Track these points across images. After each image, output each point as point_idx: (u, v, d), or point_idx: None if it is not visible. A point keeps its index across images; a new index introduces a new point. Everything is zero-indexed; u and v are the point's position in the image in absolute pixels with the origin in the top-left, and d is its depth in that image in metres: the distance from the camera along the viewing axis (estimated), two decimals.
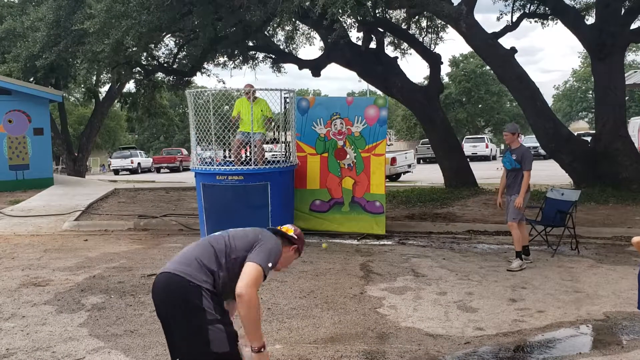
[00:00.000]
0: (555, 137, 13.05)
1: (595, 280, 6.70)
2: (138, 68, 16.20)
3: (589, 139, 14.99)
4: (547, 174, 20.22)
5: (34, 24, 14.25)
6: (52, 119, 20.54)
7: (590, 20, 14.40)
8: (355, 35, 15.29)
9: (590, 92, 56.78)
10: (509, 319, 5.36)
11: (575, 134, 17.84)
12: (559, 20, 14.42)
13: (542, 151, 27.21)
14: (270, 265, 3.00)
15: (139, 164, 39.18)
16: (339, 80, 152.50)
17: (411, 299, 6.05)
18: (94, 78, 24.42)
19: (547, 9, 14.60)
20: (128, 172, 38.11)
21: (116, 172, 38.37)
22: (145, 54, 14.74)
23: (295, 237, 3.32)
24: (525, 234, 7.64)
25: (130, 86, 24.22)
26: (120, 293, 6.31)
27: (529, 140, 37.05)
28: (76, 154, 25.30)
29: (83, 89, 27.56)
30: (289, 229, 3.34)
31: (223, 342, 2.87)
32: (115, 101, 26.71)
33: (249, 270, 2.88)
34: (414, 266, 7.50)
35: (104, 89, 26.58)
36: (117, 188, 15.68)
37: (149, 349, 4.65)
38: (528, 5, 15.00)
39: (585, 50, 17.60)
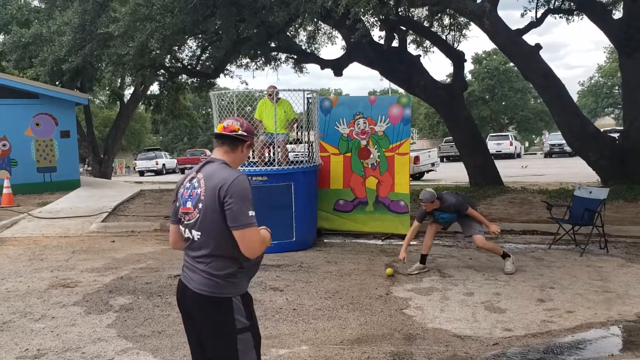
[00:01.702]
0: (581, 134, 12.85)
1: (626, 279, 6.58)
2: (162, 70, 16.34)
3: (616, 135, 14.74)
4: (574, 171, 19.97)
5: (60, 28, 14.46)
6: (78, 122, 20.83)
7: (617, 14, 14.15)
8: (377, 34, 15.24)
9: (617, 87, 55.87)
10: (537, 320, 5.29)
11: (602, 130, 17.54)
12: (584, 15, 14.19)
13: (568, 148, 26.89)
14: (252, 213, 2.64)
15: (163, 165, 39.61)
16: (360, 79, 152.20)
17: (438, 299, 6.00)
18: (119, 81, 24.71)
19: (572, 4, 14.38)
20: (153, 173, 38.50)
21: (141, 173, 38.81)
22: (169, 56, 14.85)
23: (245, 133, 2.84)
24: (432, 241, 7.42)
25: (154, 88, 24.46)
26: (147, 294, 6.37)
27: (555, 138, 36.67)
28: (102, 156, 25.62)
29: (108, 92, 27.90)
30: (233, 126, 2.82)
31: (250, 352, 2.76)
32: (140, 103, 26.99)
33: (243, 237, 2.61)
34: (440, 266, 7.45)
35: (128, 92, 26.89)
36: (142, 189, 15.84)
37: (177, 350, 4.69)
38: (552, 1, 14.78)
39: (611, 45, 17.30)
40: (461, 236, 9.52)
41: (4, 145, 15.52)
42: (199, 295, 2.73)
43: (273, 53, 16.37)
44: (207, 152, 41.78)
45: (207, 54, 16.16)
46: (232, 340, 2.69)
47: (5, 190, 13.49)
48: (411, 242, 9.05)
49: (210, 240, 2.70)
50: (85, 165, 28.64)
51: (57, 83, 18.04)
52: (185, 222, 2.82)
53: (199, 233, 2.74)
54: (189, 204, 2.78)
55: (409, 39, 15.97)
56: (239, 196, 2.62)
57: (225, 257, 2.70)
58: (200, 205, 2.72)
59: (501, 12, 12.23)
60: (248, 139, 2.87)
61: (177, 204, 2.89)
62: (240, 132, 2.83)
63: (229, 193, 2.62)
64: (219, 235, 2.67)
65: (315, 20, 12.94)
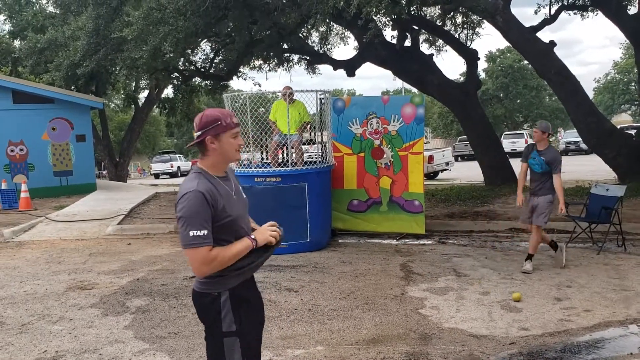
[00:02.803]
0: (598, 131, 12.72)
1: None
2: (176, 73, 16.46)
3: (633, 132, 14.58)
4: (590, 169, 19.77)
5: (75, 33, 14.63)
6: (93, 126, 21.03)
7: (632, 10, 13.99)
8: (389, 34, 15.24)
9: (633, 83, 55.21)
10: (554, 319, 5.25)
11: (618, 127, 17.34)
12: (599, 11, 14.06)
13: (584, 146, 26.64)
14: (194, 233, 2.51)
15: (178, 167, 39.88)
16: (372, 79, 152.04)
17: (453, 299, 5.97)
18: (133, 84, 24.91)
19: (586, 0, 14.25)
20: (168, 176, 38.74)
21: (156, 176, 39.07)
22: (182, 59, 14.95)
23: (200, 131, 2.65)
24: (545, 234, 7.41)
25: (168, 91, 24.64)
26: (163, 295, 6.41)
27: (570, 135, 36.34)
28: (117, 159, 25.84)
29: (122, 96, 28.14)
30: (193, 132, 2.68)
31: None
32: (154, 106, 27.18)
33: (188, 258, 2.61)
34: (456, 266, 7.41)
35: (142, 95, 27.11)
36: (157, 192, 15.94)
37: (193, 351, 4.71)
38: None
39: (627, 41, 17.10)
40: (477, 235, 9.50)
41: (21, 149, 15.70)
42: (193, 292, 2.78)
43: (285, 54, 16.41)
44: None
45: (220, 57, 16.25)
46: (219, 342, 2.72)
47: (22, 194, 13.65)
48: (425, 243, 9.06)
49: None
50: (102, 169, 28.86)
51: (72, 87, 18.26)
52: None
53: None
54: None
55: (422, 38, 15.93)
56: (181, 216, 2.54)
57: None
58: None
59: (514, 10, 12.16)
60: (208, 134, 2.65)
61: None
62: (197, 133, 2.66)
63: (176, 210, 2.59)
64: None
65: (327, 21, 12.94)
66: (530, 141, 38.82)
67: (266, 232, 2.75)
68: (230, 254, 2.63)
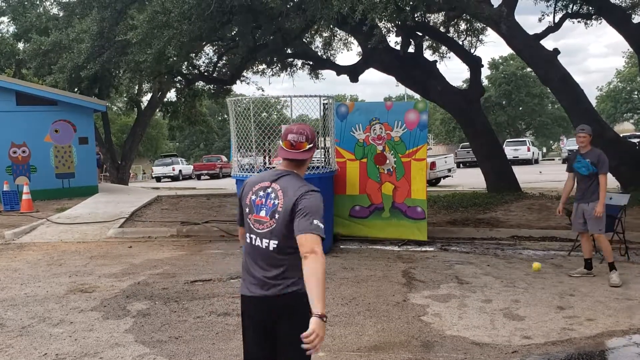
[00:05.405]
0: (600, 139, 12.68)
1: None
2: (179, 77, 16.47)
3: (636, 140, 14.54)
4: None
5: (79, 35, 14.63)
6: (96, 128, 21.03)
7: (637, 18, 13.99)
8: (393, 40, 15.26)
9: (636, 92, 55.25)
10: (557, 327, 5.22)
11: (621, 135, 17.29)
12: (602, 20, 14.05)
13: None
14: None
15: (180, 171, 39.84)
16: (375, 85, 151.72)
17: (456, 306, 5.94)
18: (136, 87, 24.92)
19: (590, 8, 14.24)
20: (169, 180, 38.75)
21: (158, 179, 39.09)
22: (186, 63, 14.97)
23: (313, 144, 2.95)
24: (591, 246, 7.17)
25: (171, 95, 24.66)
26: (164, 299, 6.39)
27: (573, 143, 36.29)
28: (119, 162, 25.83)
29: (125, 99, 28.14)
30: (302, 144, 2.93)
31: None
32: (157, 110, 27.17)
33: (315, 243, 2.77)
34: (458, 273, 7.39)
35: (145, 98, 27.11)
36: (159, 195, 15.92)
37: (194, 356, 4.69)
38: (571, 5, 14.64)
39: (630, 50, 17.07)
40: (479, 242, 9.47)
41: (24, 151, 15.70)
42: (297, 294, 2.92)
43: (289, 59, 16.43)
44: (223, 158, 41.94)
45: (224, 61, 16.27)
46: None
47: (24, 196, 13.63)
48: (427, 249, 9.04)
49: None
50: (105, 172, 28.77)
51: (75, 90, 18.24)
52: None
53: None
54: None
55: (425, 44, 15.93)
56: (316, 210, 2.89)
57: None
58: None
59: (518, 17, 12.13)
60: (315, 145, 2.98)
61: None
62: (309, 145, 2.93)
63: (300, 204, 2.90)
64: None
65: (331, 26, 12.96)
66: (532, 148, 38.90)
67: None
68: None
